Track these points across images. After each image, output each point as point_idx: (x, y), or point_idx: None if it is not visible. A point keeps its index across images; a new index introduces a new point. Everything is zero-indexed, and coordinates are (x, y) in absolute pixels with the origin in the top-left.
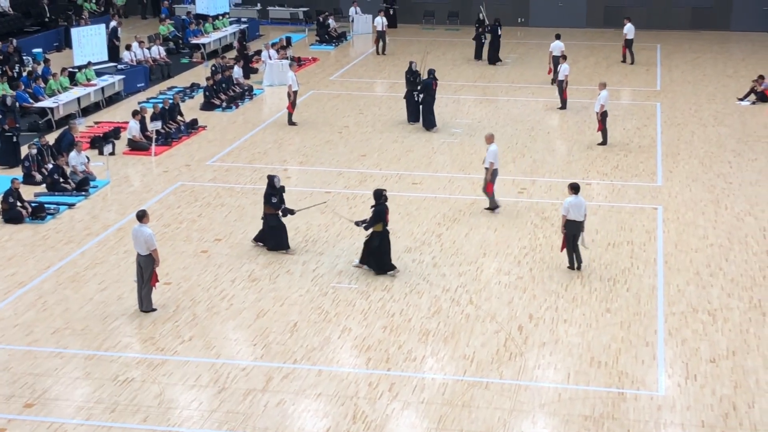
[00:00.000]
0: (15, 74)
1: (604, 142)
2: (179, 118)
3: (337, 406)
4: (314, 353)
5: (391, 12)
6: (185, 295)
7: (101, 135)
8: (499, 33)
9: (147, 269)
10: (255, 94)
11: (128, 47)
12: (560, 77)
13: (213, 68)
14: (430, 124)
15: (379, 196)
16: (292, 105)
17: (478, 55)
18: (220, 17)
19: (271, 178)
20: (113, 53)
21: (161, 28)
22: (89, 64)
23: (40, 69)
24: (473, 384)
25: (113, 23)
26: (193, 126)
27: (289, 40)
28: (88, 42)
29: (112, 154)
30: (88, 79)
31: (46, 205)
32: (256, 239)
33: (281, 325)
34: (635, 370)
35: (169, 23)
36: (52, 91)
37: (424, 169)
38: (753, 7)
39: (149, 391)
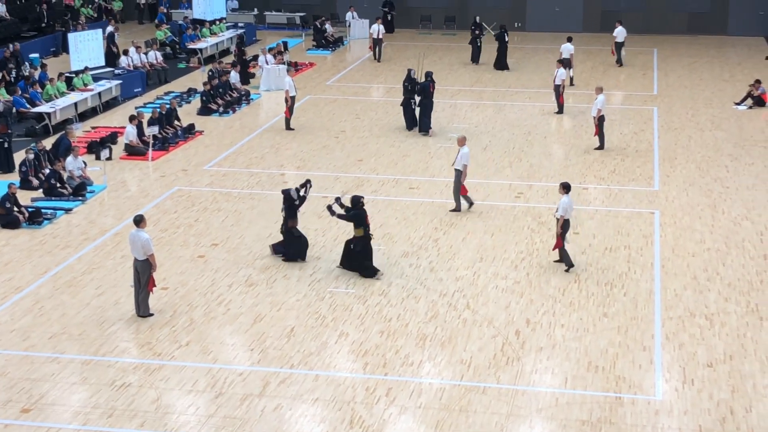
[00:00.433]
0: (12, 79)
1: (601, 147)
2: (176, 122)
3: (334, 411)
4: (311, 358)
5: (389, 17)
6: (182, 300)
7: (98, 140)
8: (506, 39)
9: (144, 274)
10: (252, 99)
11: (125, 52)
12: (557, 82)
13: (210, 73)
14: (425, 127)
15: (357, 202)
16: (290, 110)
17: (474, 59)
18: (217, 22)
19: (287, 192)
20: (110, 58)
21: (158, 33)
22: (86, 69)
23: (37, 74)
24: (470, 389)
25: (110, 28)
26: (190, 131)
27: (285, 45)
28: (85, 47)
29: (109, 159)
30: (85, 84)
31: (43, 210)
32: (276, 250)
33: (278, 329)
34: (632, 374)
35: (165, 28)
36: (49, 96)
37: (420, 173)
38: (749, 11)
39: (146, 396)
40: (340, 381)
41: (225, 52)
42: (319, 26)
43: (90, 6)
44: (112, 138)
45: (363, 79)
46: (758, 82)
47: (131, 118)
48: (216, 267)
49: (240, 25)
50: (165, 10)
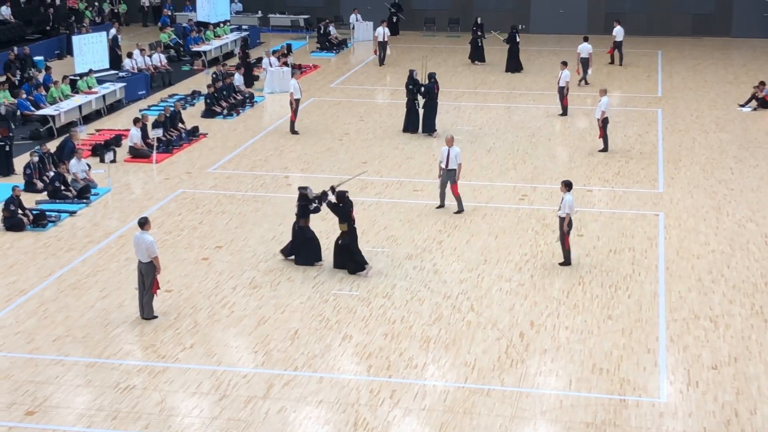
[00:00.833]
0: (16, 82)
1: (605, 149)
2: (180, 125)
3: (339, 413)
4: (315, 360)
5: (395, 20)
6: (186, 303)
7: (102, 143)
8: (518, 40)
9: (148, 276)
10: (256, 102)
11: (129, 55)
12: (561, 83)
13: (214, 76)
14: (430, 128)
15: (342, 198)
16: (294, 113)
17: (472, 57)
18: (221, 25)
19: (303, 190)
20: (114, 61)
21: (162, 35)
22: (90, 71)
23: (41, 77)
24: (474, 391)
25: (113, 31)
26: (194, 133)
27: (289, 47)
28: (90, 50)
29: (113, 161)
30: (90, 87)
31: (47, 213)
32: (285, 253)
33: (282, 332)
34: (637, 376)
35: (170, 30)
36: (54, 99)
37: (425, 176)
38: (754, 13)
39: (150, 398)
40: (344, 383)
41: (229, 55)
42: (322, 29)
43: (91, 10)
44: (116, 141)
45: (367, 81)
46: (763, 83)
47: (135, 121)
48: (220, 269)
49: (244, 27)
50: (169, 13)
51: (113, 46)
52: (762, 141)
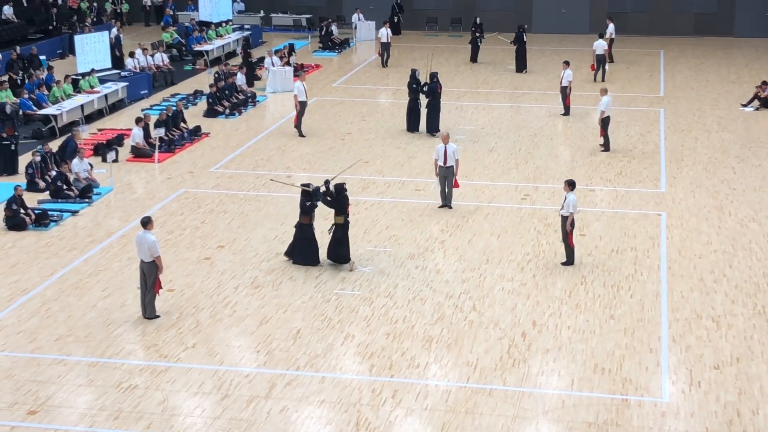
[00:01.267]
0: (19, 81)
1: (606, 148)
2: (182, 125)
3: (341, 412)
4: (317, 360)
5: (396, 20)
6: (188, 302)
7: (104, 142)
8: (525, 40)
9: (150, 276)
10: (258, 101)
11: (131, 54)
12: (563, 83)
13: (216, 75)
14: (433, 129)
15: (340, 190)
16: (298, 116)
17: (473, 58)
18: (223, 24)
19: (306, 187)
20: (117, 60)
21: (164, 35)
22: (92, 71)
23: (43, 76)
24: (477, 391)
25: (114, 30)
26: (196, 133)
27: (292, 47)
28: (92, 49)
29: (116, 161)
30: (92, 87)
31: (49, 212)
32: (287, 254)
33: (284, 331)
34: (639, 376)
35: (172, 30)
36: (56, 99)
37: (427, 175)
38: (756, 13)
39: (153, 398)
40: (346, 383)
41: (231, 54)
42: (324, 28)
43: (90, 12)
44: (118, 140)
45: (369, 81)
46: (765, 83)
47: (137, 120)
48: (222, 269)
49: (246, 27)
50: (171, 12)
51: (114, 46)
52: (764, 141)
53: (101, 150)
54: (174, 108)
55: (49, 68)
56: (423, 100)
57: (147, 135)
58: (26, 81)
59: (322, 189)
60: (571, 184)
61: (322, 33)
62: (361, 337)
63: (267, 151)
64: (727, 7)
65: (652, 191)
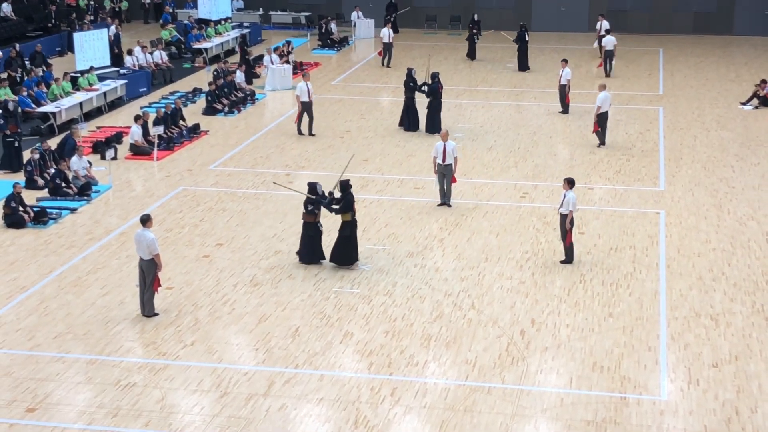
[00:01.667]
0: (18, 78)
1: (602, 143)
2: (181, 122)
3: (339, 410)
4: (316, 358)
5: (392, 18)
6: (187, 300)
7: (103, 140)
8: (527, 38)
9: (149, 274)
10: (257, 99)
11: (130, 52)
12: (562, 82)
13: (215, 73)
14: (434, 128)
15: (345, 187)
16: (299, 116)
17: (470, 55)
18: (222, 22)
19: (312, 185)
20: (116, 58)
21: (163, 32)
22: (91, 68)
23: (40, 71)
24: (475, 389)
25: (113, 27)
26: (195, 131)
27: (291, 44)
28: (91, 47)
29: (114, 158)
30: (91, 84)
31: (48, 210)
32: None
33: (283, 329)
34: (638, 374)
35: (171, 27)
36: (55, 96)
37: (426, 173)
38: (755, 11)
39: (151, 395)
40: (344, 381)
41: (230, 52)
42: (324, 26)
43: (88, 10)
44: (117, 138)
45: (368, 79)
46: (764, 81)
47: (136, 118)
48: (221, 267)
49: (245, 24)
50: (170, 10)
51: (113, 44)
52: (763, 139)
53: (100, 147)
54: (173, 106)
55: (48, 66)
56: (418, 97)
57: (146, 133)
58: (25, 78)
59: (328, 196)
60: (570, 182)
61: (322, 31)
62: (359, 335)
63: (266, 149)
64: (727, 6)
65: (651, 189)
